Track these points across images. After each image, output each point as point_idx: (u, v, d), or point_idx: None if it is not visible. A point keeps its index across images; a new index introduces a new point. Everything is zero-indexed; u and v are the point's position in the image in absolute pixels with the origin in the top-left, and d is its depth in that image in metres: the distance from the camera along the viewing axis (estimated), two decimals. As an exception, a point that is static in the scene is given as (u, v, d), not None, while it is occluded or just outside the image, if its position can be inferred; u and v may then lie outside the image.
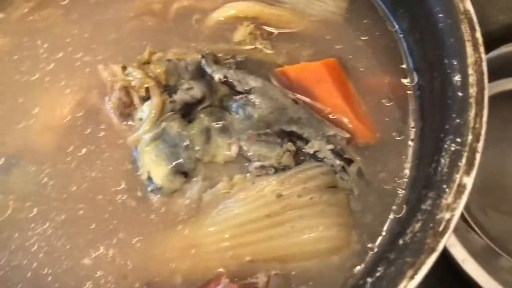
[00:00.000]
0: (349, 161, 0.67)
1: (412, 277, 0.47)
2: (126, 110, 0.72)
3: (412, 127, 0.69)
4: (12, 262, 0.63)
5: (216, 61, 0.73)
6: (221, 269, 0.61)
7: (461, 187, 0.51)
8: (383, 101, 0.72)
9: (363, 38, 0.77)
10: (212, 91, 0.71)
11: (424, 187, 0.53)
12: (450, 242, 0.85)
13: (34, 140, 0.73)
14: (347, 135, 0.68)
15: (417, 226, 0.49)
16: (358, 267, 0.59)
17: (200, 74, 0.72)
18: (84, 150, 0.71)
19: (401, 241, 0.49)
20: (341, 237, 0.62)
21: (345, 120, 0.70)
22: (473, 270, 0.74)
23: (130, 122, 0.72)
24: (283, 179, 0.64)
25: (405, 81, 0.73)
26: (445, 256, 0.83)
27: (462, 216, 0.84)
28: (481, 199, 0.87)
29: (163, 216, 0.66)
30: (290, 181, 0.64)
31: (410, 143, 0.68)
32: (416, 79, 0.72)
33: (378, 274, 0.48)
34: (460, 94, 0.56)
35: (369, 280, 0.48)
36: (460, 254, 0.82)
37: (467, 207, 0.84)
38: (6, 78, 0.78)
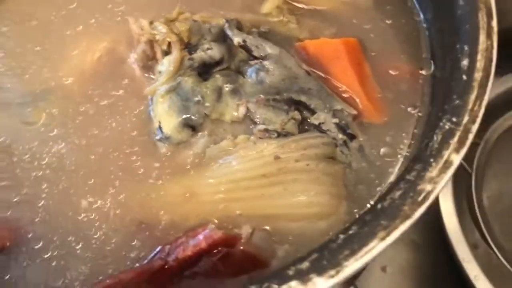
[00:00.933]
0: (352, 137, 0.68)
1: (383, 239, 0.48)
2: (149, 63, 0.76)
3: (419, 113, 0.69)
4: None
5: (239, 28, 0.76)
6: (212, 219, 0.64)
7: (448, 163, 0.51)
8: (397, 85, 0.73)
9: (387, 23, 0.78)
10: (231, 55, 0.74)
11: (412, 160, 0.54)
12: (464, 256, 0.85)
13: (64, 79, 0.78)
14: (354, 112, 0.69)
15: (398, 194, 0.50)
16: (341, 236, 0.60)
17: (222, 38, 0.75)
18: (106, 94, 0.75)
19: (379, 206, 0.50)
20: (331, 205, 0.63)
21: (356, 99, 0.71)
22: None
23: (151, 75, 0.76)
24: (283, 143, 0.66)
25: (421, 70, 0.73)
26: (457, 270, 0.83)
27: (482, 236, 0.84)
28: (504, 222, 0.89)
29: (166, 164, 0.69)
30: (290, 146, 0.66)
31: (414, 126, 0.68)
32: (432, 68, 0.73)
33: (351, 232, 0.49)
34: (464, 77, 0.57)
35: (341, 236, 0.49)
36: (473, 270, 0.82)
37: (489, 229, 0.85)
38: (46, 18, 0.84)
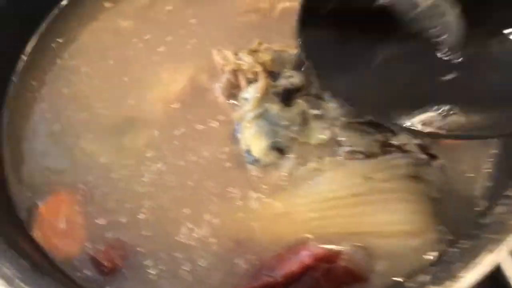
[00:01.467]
0: (433, 157, 0.72)
1: (491, 251, 0.51)
2: (233, 91, 0.81)
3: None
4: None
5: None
6: (306, 236, 0.67)
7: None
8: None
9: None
10: (309, 82, 0.79)
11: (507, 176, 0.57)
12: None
13: (148, 109, 0.83)
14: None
15: (501, 209, 0.54)
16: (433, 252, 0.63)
17: (300, 66, 0.80)
18: (191, 122, 0.80)
19: (483, 221, 0.54)
20: (420, 222, 0.66)
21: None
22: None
23: (234, 102, 0.81)
24: (371, 164, 0.70)
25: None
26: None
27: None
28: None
29: (257, 186, 0.74)
30: (378, 167, 0.70)
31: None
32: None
33: (461, 246, 0.52)
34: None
35: (452, 250, 0.52)
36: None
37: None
38: (129, 54, 0.89)
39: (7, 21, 0.86)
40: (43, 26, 0.93)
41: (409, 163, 0.71)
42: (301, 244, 0.65)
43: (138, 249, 0.69)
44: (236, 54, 0.80)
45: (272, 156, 0.74)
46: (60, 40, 0.92)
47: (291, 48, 0.83)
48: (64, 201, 0.75)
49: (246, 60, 0.78)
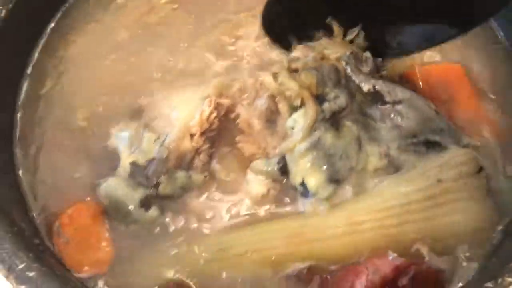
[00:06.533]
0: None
1: None
2: (272, 117, 0.75)
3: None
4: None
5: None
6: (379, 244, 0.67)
7: None
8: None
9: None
10: (351, 98, 0.74)
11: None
12: None
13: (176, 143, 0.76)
14: (478, 144, 0.74)
15: None
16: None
17: (338, 80, 0.75)
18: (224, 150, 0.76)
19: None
20: (490, 217, 0.69)
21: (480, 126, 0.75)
22: None
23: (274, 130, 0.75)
24: (441, 164, 0.69)
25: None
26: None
27: None
28: None
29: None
30: (448, 164, 0.69)
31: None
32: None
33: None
34: None
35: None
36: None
37: None
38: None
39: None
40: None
41: (472, 158, 0.71)
42: (376, 256, 0.65)
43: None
44: (275, 77, 0.74)
45: (330, 189, 0.70)
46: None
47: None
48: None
49: (290, 86, 0.72)
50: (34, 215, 0.73)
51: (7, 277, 0.61)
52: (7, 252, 0.62)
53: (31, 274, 0.62)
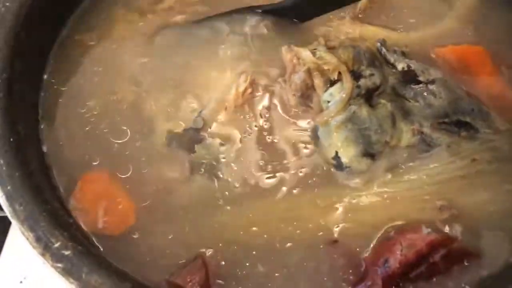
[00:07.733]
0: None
1: None
2: (307, 92, 0.75)
3: None
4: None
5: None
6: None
7: None
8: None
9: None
10: (385, 78, 0.76)
11: None
12: None
13: (212, 117, 0.75)
14: (507, 126, 0.75)
15: None
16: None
17: (373, 60, 0.76)
18: (259, 124, 0.76)
19: None
20: None
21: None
22: None
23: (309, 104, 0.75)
24: (475, 146, 0.71)
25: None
26: None
27: None
28: None
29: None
30: (482, 147, 0.71)
31: None
32: None
33: None
34: None
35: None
36: None
37: None
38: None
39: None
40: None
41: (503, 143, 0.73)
42: (411, 229, 0.66)
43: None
44: (313, 51, 0.73)
45: (364, 164, 0.71)
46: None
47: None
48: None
49: (328, 59, 0.72)
50: (62, 192, 0.71)
51: (43, 255, 0.60)
52: (43, 230, 0.61)
53: (67, 252, 0.60)
